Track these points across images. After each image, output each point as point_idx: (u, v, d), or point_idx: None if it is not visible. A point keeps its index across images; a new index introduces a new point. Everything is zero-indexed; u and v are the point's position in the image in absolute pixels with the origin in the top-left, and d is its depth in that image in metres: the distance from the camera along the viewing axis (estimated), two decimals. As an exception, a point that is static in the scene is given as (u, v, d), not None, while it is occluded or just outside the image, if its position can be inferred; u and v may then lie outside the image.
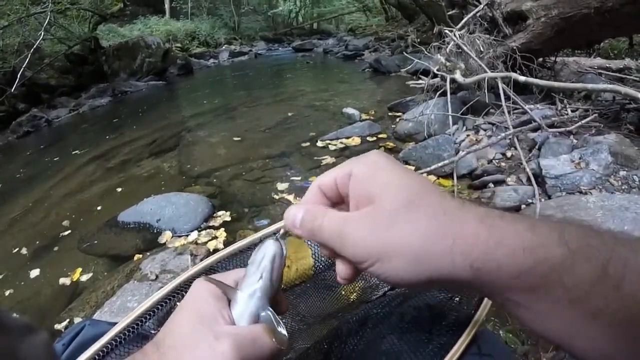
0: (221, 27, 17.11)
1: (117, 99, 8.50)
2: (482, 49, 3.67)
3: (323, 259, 0.78)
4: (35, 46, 7.09)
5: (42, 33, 7.12)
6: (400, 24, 13.07)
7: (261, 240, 0.52)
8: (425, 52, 4.56)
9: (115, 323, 0.59)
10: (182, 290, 0.62)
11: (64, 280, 2.53)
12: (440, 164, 2.71)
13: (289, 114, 5.10)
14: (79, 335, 0.66)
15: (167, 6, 15.97)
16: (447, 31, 3.85)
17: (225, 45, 15.14)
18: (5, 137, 7.09)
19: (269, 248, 0.46)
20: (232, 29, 17.81)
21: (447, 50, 3.80)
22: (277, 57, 13.19)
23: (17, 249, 3.03)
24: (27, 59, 6.81)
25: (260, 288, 0.45)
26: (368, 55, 9.59)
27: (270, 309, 0.46)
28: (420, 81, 4.59)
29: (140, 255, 2.54)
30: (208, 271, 0.64)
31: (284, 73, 9.74)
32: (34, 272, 2.71)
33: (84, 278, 2.51)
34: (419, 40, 8.64)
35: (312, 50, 12.97)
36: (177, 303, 0.59)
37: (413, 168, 2.97)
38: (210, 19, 17.33)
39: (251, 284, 0.45)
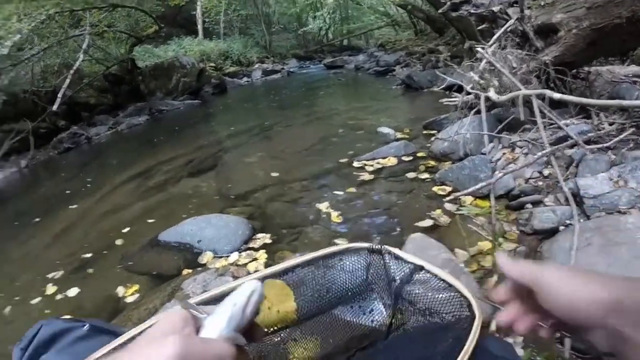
0: (253, 46, 17.51)
1: (154, 117, 8.85)
2: (514, 64, 3.65)
3: (308, 305, 0.83)
4: (75, 67, 7.44)
5: (81, 55, 7.48)
6: (429, 37, 13.05)
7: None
8: (457, 69, 4.53)
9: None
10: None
11: (106, 297, 2.65)
12: (477, 187, 2.71)
13: (324, 134, 5.15)
14: (36, 337, 0.68)
15: (199, 27, 16.52)
16: (479, 49, 3.86)
17: (258, 64, 15.46)
18: (46, 153, 7.46)
19: (249, 284, 0.50)
20: (263, 48, 18.20)
21: (481, 67, 3.81)
22: (309, 74, 13.33)
23: (58, 265, 3.17)
24: (68, 79, 7.13)
25: (231, 313, 0.47)
26: (399, 70, 9.59)
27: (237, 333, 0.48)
28: (453, 98, 4.56)
29: (184, 273, 2.63)
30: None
31: (316, 91, 9.84)
32: (73, 290, 2.81)
33: (128, 295, 2.61)
34: (450, 54, 8.61)
35: (344, 67, 13.07)
36: None
37: (449, 189, 2.97)
38: (242, 38, 17.77)
39: (222, 310, 0.48)
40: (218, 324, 0.47)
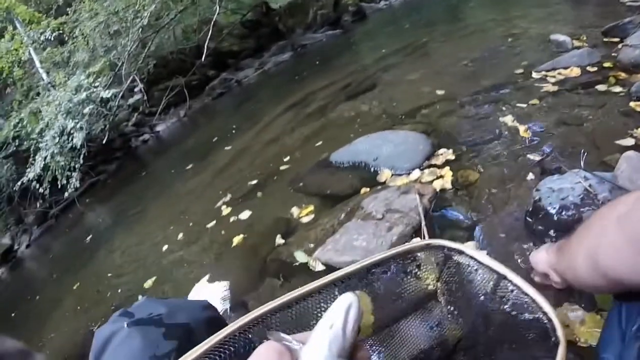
0: (387, -34, 16.66)
1: (297, 53, 9.07)
2: None
3: (381, 315, 0.81)
4: (213, 21, 7.80)
5: (217, 7, 7.78)
6: None
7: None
8: None
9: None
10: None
11: (278, 218, 2.71)
12: None
13: (488, 45, 4.60)
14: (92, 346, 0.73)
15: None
16: None
17: (395, -15, 14.69)
18: (201, 101, 8.19)
19: (343, 299, 0.46)
20: (399, -32, 17.22)
21: None
22: (452, -12, 12.32)
23: (227, 194, 3.38)
24: (209, 33, 7.51)
25: (331, 337, 0.43)
26: None
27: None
28: None
29: (362, 192, 2.51)
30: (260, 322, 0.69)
31: (464, 4, 9.00)
32: (245, 214, 2.97)
33: (303, 215, 2.62)
34: None
35: None
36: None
37: None
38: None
39: (319, 335, 0.44)
40: (317, 353, 0.43)
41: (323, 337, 0.44)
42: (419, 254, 0.86)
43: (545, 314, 0.69)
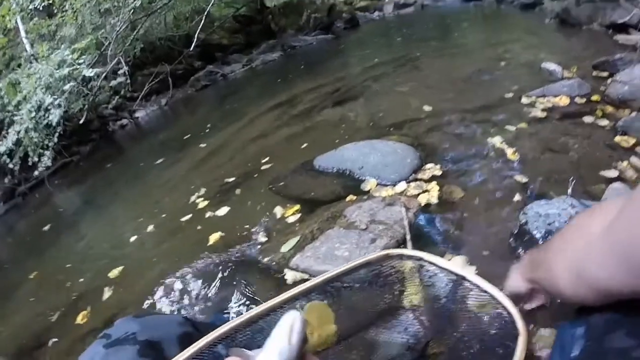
0: (384, -21, 16.84)
1: (287, 53, 9.02)
2: None
3: (347, 324, 0.85)
4: (206, 12, 7.69)
5: None
6: None
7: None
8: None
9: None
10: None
11: (257, 220, 2.59)
12: None
13: (480, 66, 4.66)
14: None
15: (329, -39, 16.15)
16: None
17: (389, -2, 14.84)
18: (185, 91, 8.06)
19: (286, 316, 0.51)
20: (395, -19, 17.45)
21: None
22: (445, 7, 12.45)
23: (205, 188, 3.26)
24: (201, 23, 7.39)
25: (280, 348, 0.48)
26: (549, 3, 8.42)
27: None
28: (630, 37, 3.84)
29: (347, 200, 2.46)
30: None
31: (457, 24, 9.18)
32: (222, 209, 2.87)
33: (289, 215, 2.55)
34: None
35: None
36: None
37: (634, 141, 2.50)
38: (371, -28, 17.15)
39: (270, 347, 0.49)
40: (281, 348, 0.48)
41: (273, 348, 0.48)
42: (380, 264, 0.90)
43: (504, 308, 0.74)
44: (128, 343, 0.65)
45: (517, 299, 0.83)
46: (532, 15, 8.03)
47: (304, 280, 1.95)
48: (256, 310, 0.79)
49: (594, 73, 3.78)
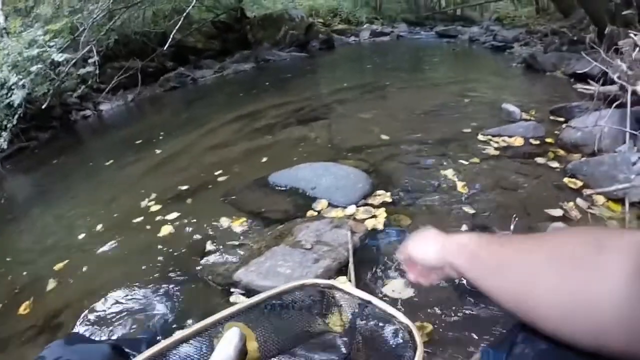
0: (363, 5, 17.24)
1: (259, 65, 9.02)
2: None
3: (270, 344, 0.95)
4: (186, 12, 7.65)
5: (194, 0, 7.62)
6: (552, 17, 11.94)
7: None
8: (585, 54, 4.11)
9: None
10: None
11: (207, 230, 2.60)
12: (613, 188, 2.46)
13: (443, 101, 4.87)
14: None
15: (310, -19, 16.35)
16: (632, 35, 3.34)
17: (367, 24, 15.09)
18: (153, 90, 7.94)
19: (228, 333, 0.63)
20: (373, 9, 17.89)
21: (633, 56, 3.34)
22: (420, 40, 12.93)
23: (158, 192, 3.23)
24: (179, 24, 7.35)
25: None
26: (518, 48, 9.00)
27: None
28: (589, 86, 4.11)
29: (298, 219, 2.49)
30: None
31: (430, 57, 9.50)
32: (172, 215, 2.85)
33: (235, 224, 2.58)
34: (575, 38, 7.84)
35: (457, 37, 12.38)
36: None
37: (581, 184, 2.70)
38: (353, -3, 17.51)
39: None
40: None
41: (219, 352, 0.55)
42: (298, 292, 0.98)
43: (403, 324, 0.85)
44: None
45: (415, 269, 0.84)
46: (501, 57, 8.43)
47: (246, 295, 2.01)
48: (188, 330, 0.82)
49: (551, 117, 4.02)
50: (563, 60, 5.91)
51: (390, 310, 0.87)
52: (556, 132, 3.60)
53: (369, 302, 0.91)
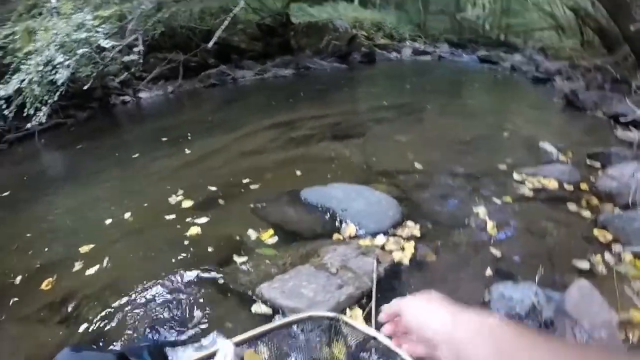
0: (407, 22, 17.16)
1: (300, 72, 9.11)
2: None
3: None
4: (233, 13, 7.73)
5: (242, 2, 7.75)
6: (597, 51, 11.59)
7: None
8: (628, 100, 3.89)
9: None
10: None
11: (234, 237, 2.60)
12: None
13: (480, 132, 4.80)
14: None
15: (356, -7, 16.41)
16: None
17: (409, 42, 15.08)
18: (192, 84, 8.07)
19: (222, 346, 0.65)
20: (417, 26, 17.77)
21: None
22: (461, 63, 12.83)
23: (189, 189, 3.26)
24: (226, 22, 7.42)
25: None
26: (560, 82, 8.78)
27: None
28: (629, 133, 3.95)
29: (325, 241, 2.49)
30: None
31: (469, 83, 9.43)
32: (201, 216, 2.85)
33: (266, 238, 2.57)
34: (619, 77, 7.61)
35: (498, 63, 12.22)
36: None
37: (611, 238, 2.60)
38: (397, 12, 17.47)
39: None
40: None
41: None
42: (306, 323, 1.01)
43: None
44: None
45: (402, 334, 0.71)
46: (542, 90, 8.28)
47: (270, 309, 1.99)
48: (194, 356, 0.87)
49: (588, 162, 3.91)
50: (605, 99, 5.75)
51: (393, 346, 0.85)
52: (592, 178, 3.51)
53: (374, 338, 0.93)
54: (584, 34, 14.05)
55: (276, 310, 1.98)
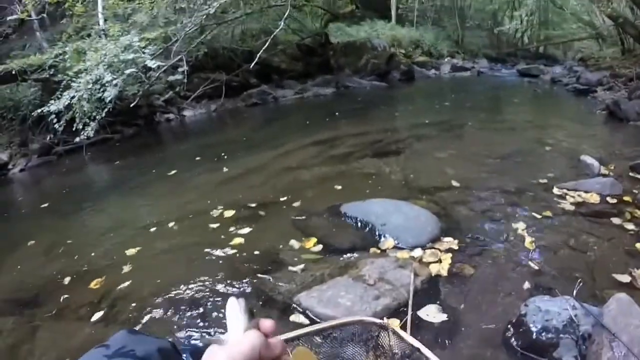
0: (444, 39, 17.05)
1: (340, 91, 9.29)
2: None
3: None
4: (274, 35, 7.97)
5: (282, 23, 7.98)
6: (638, 59, 11.11)
7: None
8: None
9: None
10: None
11: (275, 248, 2.70)
12: None
13: (519, 147, 4.72)
14: None
15: (393, 12, 16.45)
16: None
17: (448, 58, 15.02)
18: (234, 103, 8.39)
19: (229, 303, 0.57)
20: (455, 42, 17.63)
21: None
22: (501, 78, 12.60)
23: (231, 202, 3.40)
24: (267, 44, 7.65)
25: (238, 310, 0.55)
26: (601, 93, 8.45)
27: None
28: None
29: (361, 254, 2.55)
30: None
31: (509, 98, 9.28)
32: (244, 227, 2.98)
33: (310, 246, 2.66)
34: None
35: (539, 76, 11.93)
36: None
37: None
38: (434, 29, 17.43)
39: (231, 315, 0.55)
40: (237, 323, 0.54)
41: (235, 328, 0.53)
42: (357, 326, 1.05)
43: None
44: (128, 357, 0.71)
45: None
46: (583, 102, 8.06)
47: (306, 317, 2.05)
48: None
49: (631, 174, 3.79)
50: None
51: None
52: (635, 190, 3.40)
53: (418, 350, 0.95)
54: (624, 42, 13.56)
55: (313, 320, 2.04)
